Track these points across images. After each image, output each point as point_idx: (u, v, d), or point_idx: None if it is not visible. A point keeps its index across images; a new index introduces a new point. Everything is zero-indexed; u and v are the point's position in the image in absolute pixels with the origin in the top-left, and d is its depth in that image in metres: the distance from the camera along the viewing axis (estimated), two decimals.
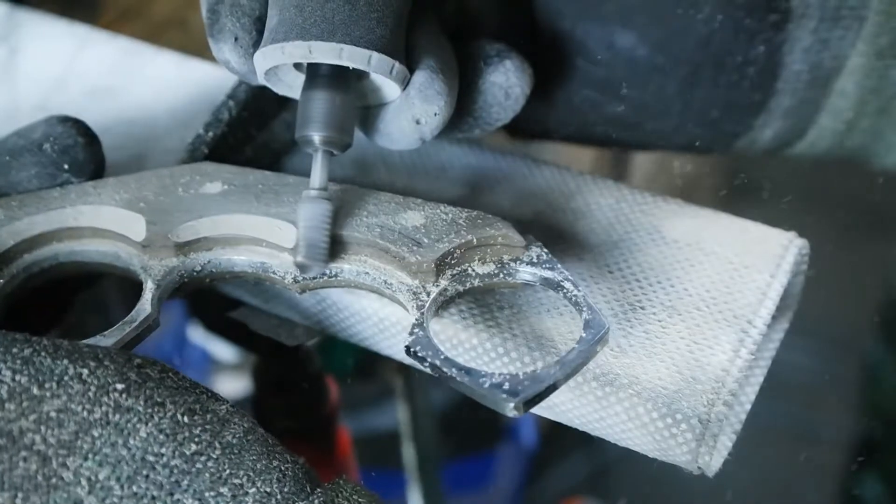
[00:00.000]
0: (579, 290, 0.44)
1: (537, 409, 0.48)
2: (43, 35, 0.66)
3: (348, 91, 0.45)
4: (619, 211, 0.53)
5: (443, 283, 0.44)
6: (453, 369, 0.40)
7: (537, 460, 1.59)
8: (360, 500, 0.38)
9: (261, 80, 0.47)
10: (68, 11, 0.71)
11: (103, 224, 0.46)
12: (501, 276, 0.45)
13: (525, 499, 1.57)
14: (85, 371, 0.36)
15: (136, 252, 0.45)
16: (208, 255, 0.46)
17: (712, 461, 0.45)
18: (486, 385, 0.39)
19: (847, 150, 0.58)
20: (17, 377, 0.35)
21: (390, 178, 0.55)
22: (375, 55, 0.44)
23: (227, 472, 0.36)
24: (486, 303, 0.48)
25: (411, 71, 0.46)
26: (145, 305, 0.43)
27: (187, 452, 0.36)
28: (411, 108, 0.46)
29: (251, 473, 0.36)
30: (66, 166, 0.47)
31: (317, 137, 0.45)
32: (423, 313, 0.43)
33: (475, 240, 0.45)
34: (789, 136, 0.56)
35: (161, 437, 0.36)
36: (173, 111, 0.60)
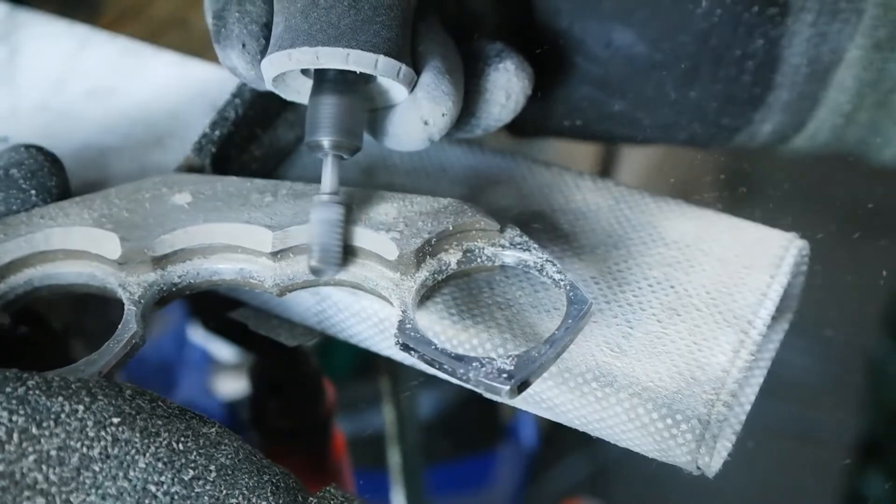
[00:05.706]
0: (558, 269, 0.44)
1: (537, 410, 0.48)
2: (43, 35, 0.66)
3: (356, 95, 0.45)
4: (619, 211, 0.53)
5: (423, 273, 0.45)
6: (445, 359, 0.41)
7: (537, 460, 1.59)
8: None
9: (268, 87, 0.47)
10: (68, 11, 0.71)
11: (75, 245, 0.45)
12: (479, 261, 0.46)
13: (525, 499, 1.57)
14: (80, 407, 0.36)
15: (113, 270, 0.45)
16: (186, 267, 0.46)
17: (712, 462, 0.45)
18: (480, 371, 0.39)
19: (845, 144, 0.58)
20: (14, 417, 0.36)
21: (391, 179, 0.55)
22: (382, 58, 0.44)
23: (224, 492, 0.37)
24: (473, 298, 0.48)
25: (418, 72, 0.46)
26: (129, 324, 0.43)
27: (185, 478, 0.36)
28: (419, 110, 0.46)
29: (245, 491, 0.37)
30: (33, 191, 0.46)
31: (326, 142, 0.45)
32: (407, 306, 0.43)
33: (451, 227, 0.45)
34: (788, 130, 0.56)
35: (160, 465, 0.36)
36: (173, 111, 0.60)
